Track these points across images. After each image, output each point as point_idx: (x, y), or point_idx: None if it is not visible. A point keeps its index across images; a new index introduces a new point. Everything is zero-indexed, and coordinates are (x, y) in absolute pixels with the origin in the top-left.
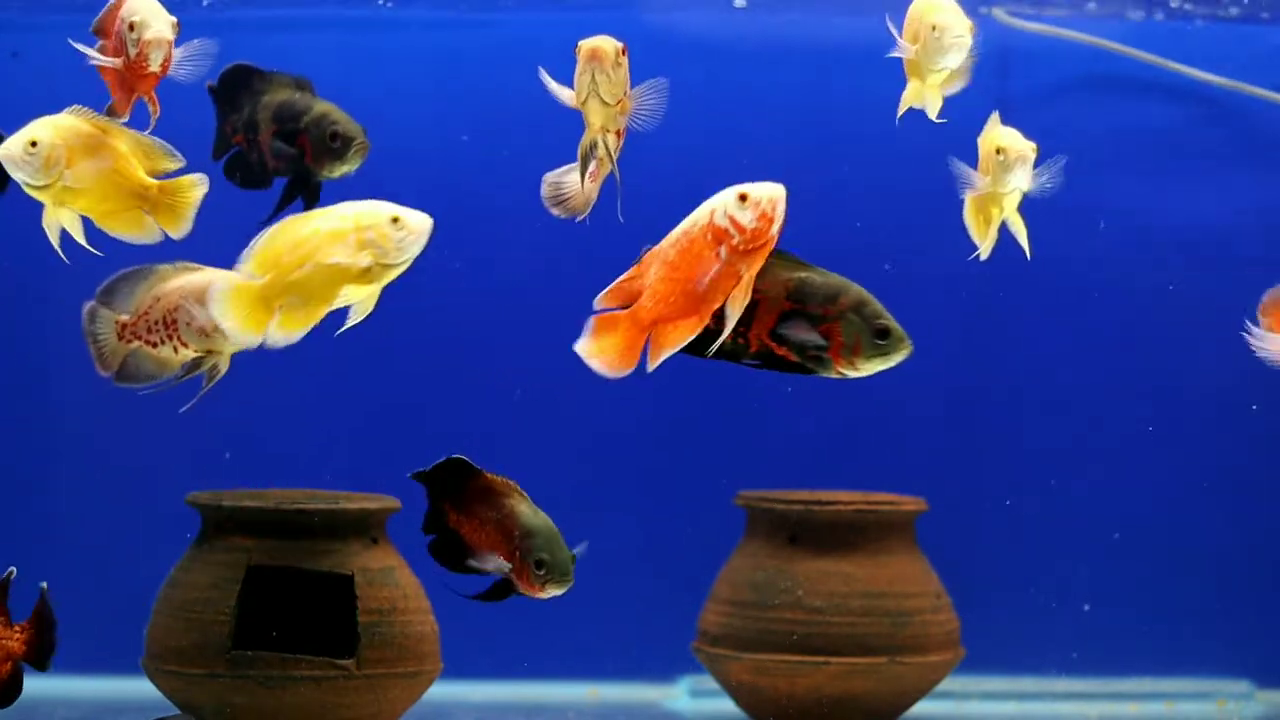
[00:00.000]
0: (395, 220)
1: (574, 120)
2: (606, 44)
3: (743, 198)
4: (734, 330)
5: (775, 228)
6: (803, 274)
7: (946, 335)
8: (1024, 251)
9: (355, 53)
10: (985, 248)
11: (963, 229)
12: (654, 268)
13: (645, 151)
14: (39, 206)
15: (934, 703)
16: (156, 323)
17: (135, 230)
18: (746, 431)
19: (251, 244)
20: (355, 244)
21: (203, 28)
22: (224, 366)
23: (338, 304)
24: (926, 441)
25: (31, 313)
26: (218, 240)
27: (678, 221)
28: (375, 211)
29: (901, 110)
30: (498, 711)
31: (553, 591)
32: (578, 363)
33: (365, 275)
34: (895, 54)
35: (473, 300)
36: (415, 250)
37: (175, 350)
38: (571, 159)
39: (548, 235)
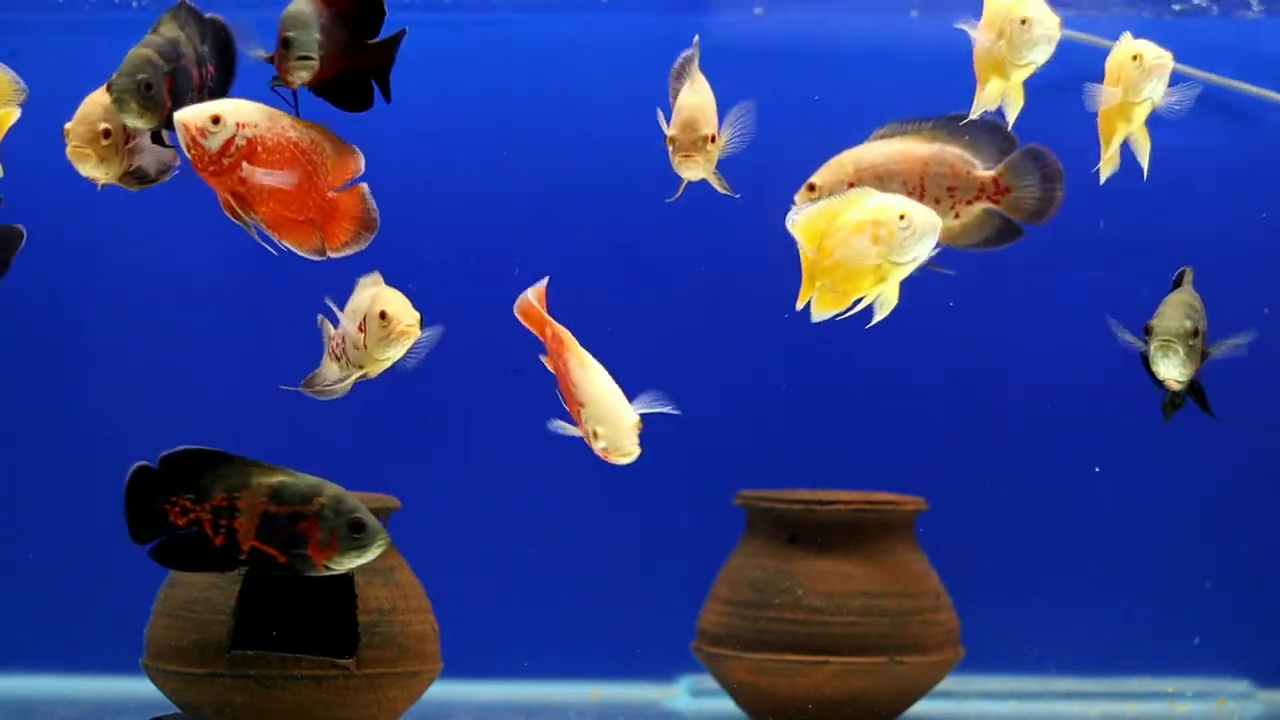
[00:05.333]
0: (902, 217)
1: (572, 120)
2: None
3: (596, 435)
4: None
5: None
6: None
7: (947, 335)
8: (1142, 171)
9: None
10: (1106, 166)
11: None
12: (550, 341)
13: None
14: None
15: (934, 702)
16: (342, 339)
17: None
18: (746, 431)
19: (800, 215)
20: (870, 238)
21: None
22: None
23: (870, 297)
24: (926, 441)
25: (32, 313)
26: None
27: None
28: (888, 207)
29: (978, 111)
30: (498, 711)
31: (298, 73)
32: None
33: (877, 271)
34: (987, 50)
35: (473, 299)
36: (920, 251)
37: (346, 364)
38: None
39: (549, 233)
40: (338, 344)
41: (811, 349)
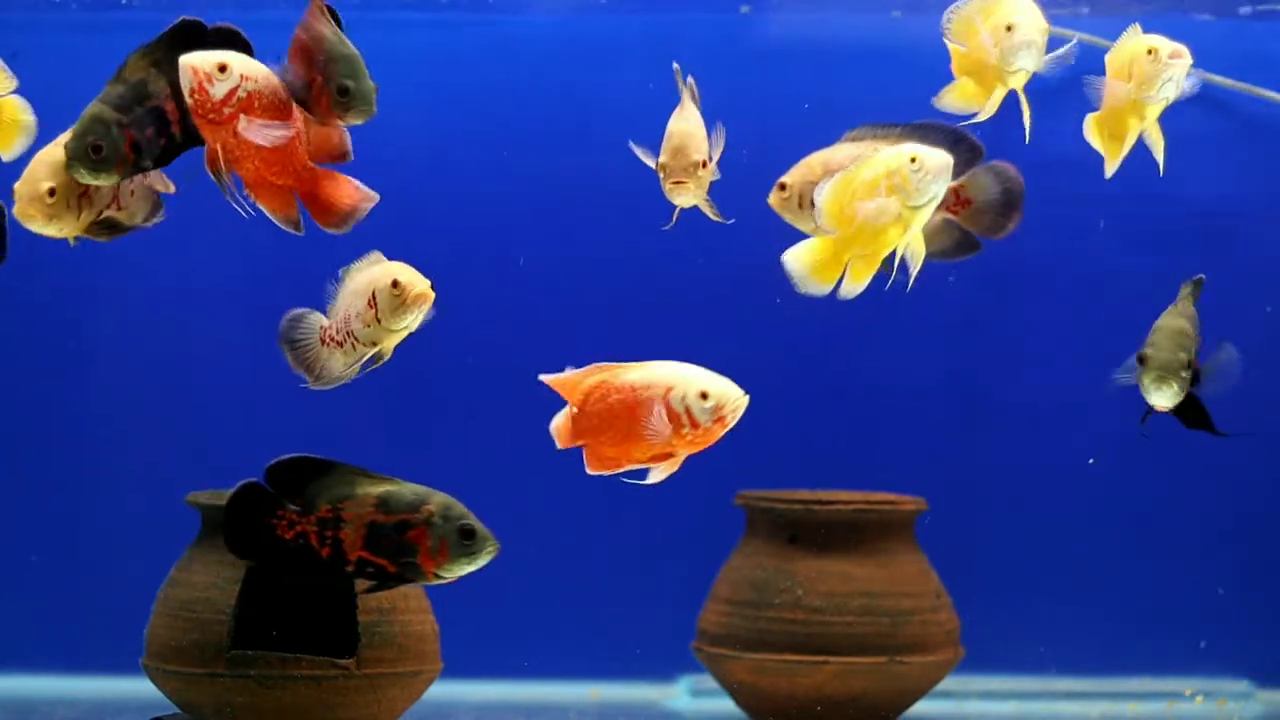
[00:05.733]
0: (913, 160)
1: (569, 121)
2: None
3: (704, 395)
4: None
5: (724, 431)
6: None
7: (946, 335)
8: (1158, 166)
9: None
10: (1112, 165)
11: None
12: (595, 399)
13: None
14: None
15: (934, 702)
16: (344, 322)
17: None
18: (746, 431)
19: (820, 194)
20: (885, 190)
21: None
22: (386, 356)
23: (903, 248)
24: (926, 441)
25: (32, 312)
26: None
27: None
28: (896, 154)
29: (983, 116)
30: (498, 711)
31: (353, 120)
32: (577, 363)
33: (899, 220)
34: (967, 56)
35: (474, 299)
36: (937, 189)
37: (354, 347)
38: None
39: (549, 233)
40: (335, 331)
41: (811, 349)
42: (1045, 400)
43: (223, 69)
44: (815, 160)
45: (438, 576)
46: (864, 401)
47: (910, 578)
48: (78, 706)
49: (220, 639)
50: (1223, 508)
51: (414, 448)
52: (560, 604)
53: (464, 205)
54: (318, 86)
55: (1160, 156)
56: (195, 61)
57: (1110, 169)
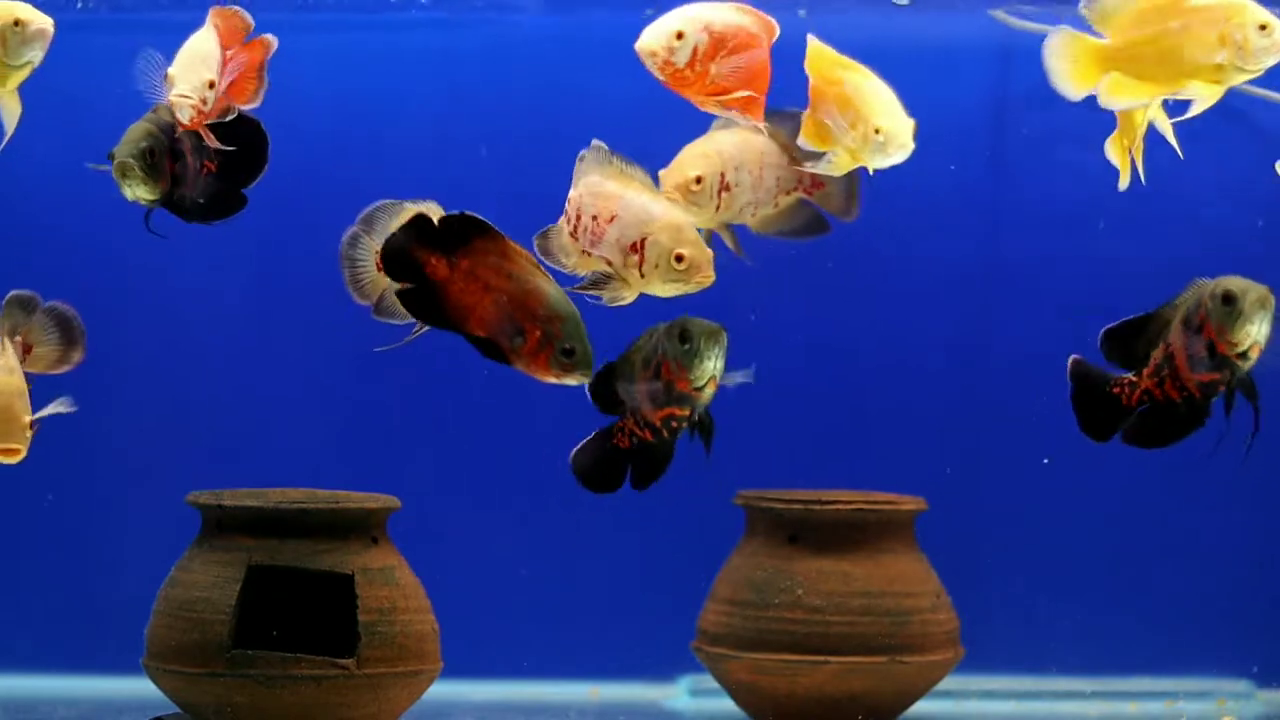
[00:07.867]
0: (1263, 27)
1: (568, 122)
2: None
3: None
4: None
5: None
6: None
7: (946, 335)
8: (1176, 150)
9: (355, 53)
10: (1138, 153)
11: (958, 231)
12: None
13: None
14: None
15: (934, 702)
16: None
17: None
18: (746, 431)
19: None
20: (1217, 36)
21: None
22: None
23: (1180, 95)
24: (926, 441)
25: None
26: None
27: None
28: (1245, 8)
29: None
30: (498, 711)
31: (570, 380)
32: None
33: (1215, 73)
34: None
35: None
36: (1271, 61)
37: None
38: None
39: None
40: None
41: (812, 348)
42: (1046, 400)
43: (211, 85)
44: (711, 150)
45: (696, 391)
46: (864, 401)
47: (910, 578)
48: (78, 706)
49: (220, 639)
50: (1223, 507)
51: (414, 448)
52: (560, 604)
53: (462, 205)
54: (535, 340)
55: (1173, 140)
56: (191, 100)
57: (1139, 161)
